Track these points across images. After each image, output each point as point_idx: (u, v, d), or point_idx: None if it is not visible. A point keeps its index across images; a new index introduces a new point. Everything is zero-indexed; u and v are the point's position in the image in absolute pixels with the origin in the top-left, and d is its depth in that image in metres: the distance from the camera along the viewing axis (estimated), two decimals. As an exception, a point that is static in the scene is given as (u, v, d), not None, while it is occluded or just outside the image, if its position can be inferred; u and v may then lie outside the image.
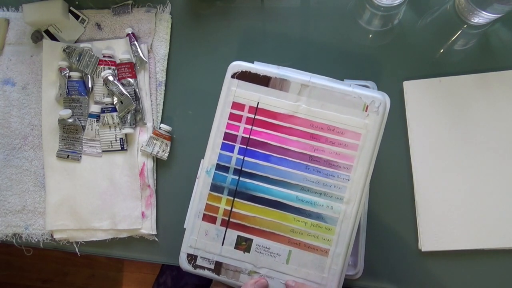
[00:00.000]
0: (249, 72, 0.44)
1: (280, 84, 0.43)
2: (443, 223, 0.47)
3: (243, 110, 0.44)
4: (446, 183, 0.48)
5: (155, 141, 0.51)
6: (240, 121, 0.44)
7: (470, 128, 0.48)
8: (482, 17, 0.48)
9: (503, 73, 0.48)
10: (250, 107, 0.44)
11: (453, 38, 0.51)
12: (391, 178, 0.49)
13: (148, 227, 0.51)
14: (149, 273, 1.23)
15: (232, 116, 0.44)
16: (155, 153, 0.51)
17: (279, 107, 0.44)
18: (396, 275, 0.48)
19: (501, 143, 0.47)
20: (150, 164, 0.52)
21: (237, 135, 0.44)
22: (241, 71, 0.44)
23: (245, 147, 0.44)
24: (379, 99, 0.42)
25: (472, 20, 0.49)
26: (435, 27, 0.52)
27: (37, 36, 0.56)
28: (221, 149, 0.44)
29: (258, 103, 0.44)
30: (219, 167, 0.44)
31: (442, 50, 0.51)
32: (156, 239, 0.52)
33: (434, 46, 0.51)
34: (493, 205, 0.47)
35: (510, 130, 0.47)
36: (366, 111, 0.42)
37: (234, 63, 0.44)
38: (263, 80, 0.44)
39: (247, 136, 0.44)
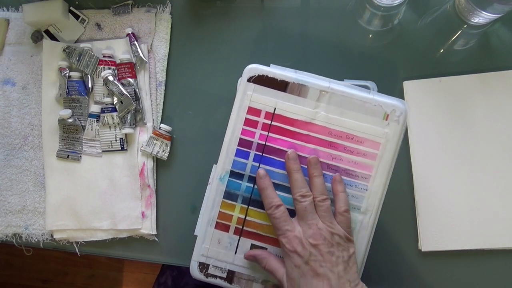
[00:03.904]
0: (266, 76, 0.42)
1: (298, 90, 0.42)
2: (443, 223, 0.47)
3: (259, 116, 0.42)
4: (446, 183, 0.48)
5: (155, 141, 0.51)
6: (256, 127, 0.42)
7: (470, 128, 0.48)
8: (482, 17, 0.48)
9: (503, 73, 0.48)
10: (267, 112, 0.42)
11: (453, 38, 0.51)
12: (391, 178, 0.49)
13: (148, 227, 0.51)
14: (149, 273, 1.23)
15: (247, 122, 0.43)
16: (155, 153, 0.51)
17: (297, 113, 0.42)
18: (396, 275, 0.48)
19: (501, 143, 0.47)
20: (150, 164, 0.52)
21: (252, 142, 0.43)
22: (258, 75, 0.42)
23: (260, 154, 0.43)
24: (400, 108, 0.41)
25: (472, 20, 0.49)
26: (435, 27, 0.52)
27: (37, 36, 0.56)
28: (235, 155, 0.43)
29: (275, 108, 0.42)
30: (233, 174, 0.43)
31: (442, 50, 0.51)
32: (156, 239, 0.52)
33: (434, 46, 0.51)
34: (493, 205, 0.47)
35: (510, 130, 0.47)
36: (386, 120, 0.41)
37: (250, 66, 0.42)
38: (281, 85, 0.42)
39: (263, 142, 0.42)
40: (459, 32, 0.51)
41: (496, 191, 0.47)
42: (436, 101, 0.49)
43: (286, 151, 0.43)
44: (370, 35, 0.53)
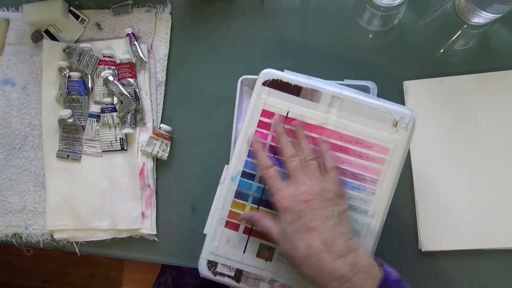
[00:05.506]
0: (281, 80, 0.43)
1: (311, 95, 0.43)
2: (443, 223, 0.47)
3: (272, 118, 0.44)
4: (446, 183, 0.48)
5: (155, 141, 0.51)
6: (269, 129, 0.44)
7: (470, 128, 0.48)
8: (482, 17, 0.48)
9: (503, 73, 0.48)
10: (280, 115, 0.43)
11: (453, 38, 0.51)
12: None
13: (148, 227, 0.51)
14: (149, 273, 1.23)
15: (261, 124, 0.44)
16: (155, 153, 0.51)
17: (309, 117, 0.43)
18: (396, 275, 0.48)
19: (501, 143, 0.47)
20: (150, 164, 0.52)
21: (265, 143, 0.44)
22: (272, 79, 0.43)
23: (272, 155, 0.43)
24: (409, 115, 0.42)
25: (472, 20, 0.49)
26: (435, 27, 0.52)
27: (37, 36, 0.56)
28: (247, 156, 0.44)
29: (288, 112, 0.43)
30: (244, 174, 0.44)
31: (442, 50, 0.51)
32: (156, 239, 0.52)
33: (434, 46, 0.51)
34: (493, 205, 0.47)
35: (510, 130, 0.47)
36: (395, 126, 0.42)
37: (266, 70, 0.44)
38: (294, 90, 0.43)
39: (275, 144, 0.43)
40: (459, 32, 0.51)
41: (496, 191, 0.47)
42: (436, 101, 0.49)
43: None
44: (370, 35, 0.53)
